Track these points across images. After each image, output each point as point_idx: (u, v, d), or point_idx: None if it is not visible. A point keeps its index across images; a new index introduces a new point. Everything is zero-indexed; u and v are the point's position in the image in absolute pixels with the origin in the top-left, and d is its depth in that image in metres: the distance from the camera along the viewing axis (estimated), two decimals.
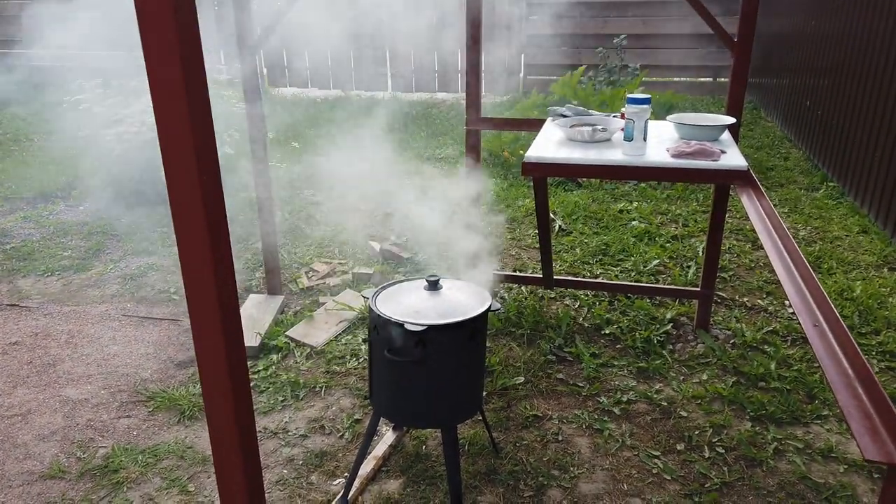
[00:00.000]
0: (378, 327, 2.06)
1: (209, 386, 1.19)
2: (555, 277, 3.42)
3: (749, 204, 2.04)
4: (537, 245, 4.09)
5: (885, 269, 3.74)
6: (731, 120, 2.61)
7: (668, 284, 3.65)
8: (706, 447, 2.48)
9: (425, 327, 1.94)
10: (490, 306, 2.11)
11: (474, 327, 2.05)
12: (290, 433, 2.59)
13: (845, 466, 2.37)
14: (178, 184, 1.05)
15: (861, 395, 1.13)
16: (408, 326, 1.94)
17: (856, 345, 1.22)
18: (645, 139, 2.36)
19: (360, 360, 3.04)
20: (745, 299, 3.49)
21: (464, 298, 2.13)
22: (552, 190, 5.13)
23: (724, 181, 2.38)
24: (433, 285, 2.14)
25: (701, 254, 3.96)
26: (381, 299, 2.12)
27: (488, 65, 8.48)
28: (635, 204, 4.80)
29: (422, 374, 2.05)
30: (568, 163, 2.39)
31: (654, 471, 2.37)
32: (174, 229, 1.09)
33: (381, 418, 2.36)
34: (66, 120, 7.56)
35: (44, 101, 8.62)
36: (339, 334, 3.26)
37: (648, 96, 2.30)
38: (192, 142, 1.03)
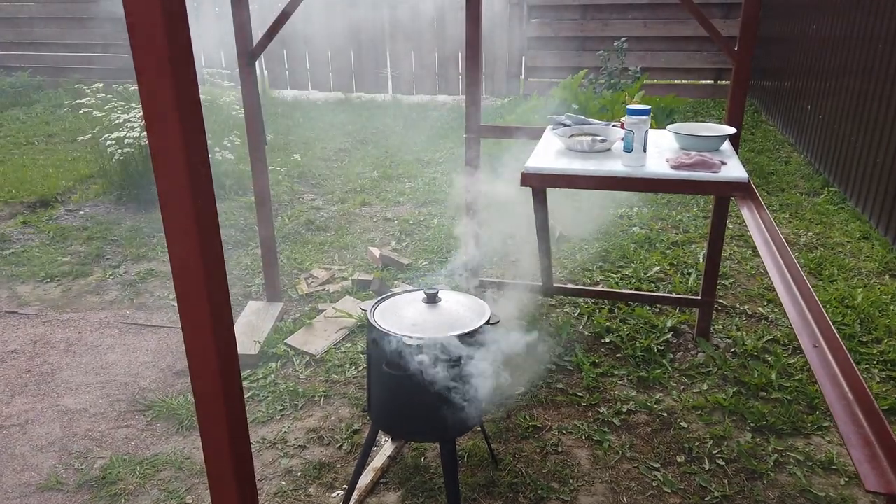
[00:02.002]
0: (376, 341, 2.05)
1: (202, 400, 1.18)
2: (555, 285, 3.41)
3: (749, 217, 2.03)
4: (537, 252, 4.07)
5: (887, 276, 3.72)
6: (732, 130, 2.60)
7: (668, 292, 3.64)
8: (706, 459, 2.46)
9: (423, 341, 1.93)
10: (489, 319, 2.10)
11: (473, 340, 2.04)
12: (288, 444, 2.58)
13: (846, 479, 2.35)
14: (171, 207, 1.04)
15: (861, 420, 1.12)
16: (405, 341, 1.93)
17: (856, 368, 1.21)
18: (644, 150, 2.35)
19: (359, 369, 3.02)
20: (746, 307, 3.47)
21: (462, 311, 2.11)
22: (553, 194, 5.11)
23: (725, 193, 2.37)
24: (431, 298, 2.13)
25: (702, 260, 3.94)
26: (379, 312, 2.10)
27: (490, 67, 8.45)
28: (636, 209, 4.78)
29: (419, 389, 2.03)
30: (567, 173, 2.38)
31: (654, 483, 2.36)
32: (168, 252, 1.08)
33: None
34: (66, 123, 7.56)
35: (45, 103, 8.63)
36: (339, 342, 3.25)
37: (648, 107, 2.29)
38: (185, 161, 1.02)
